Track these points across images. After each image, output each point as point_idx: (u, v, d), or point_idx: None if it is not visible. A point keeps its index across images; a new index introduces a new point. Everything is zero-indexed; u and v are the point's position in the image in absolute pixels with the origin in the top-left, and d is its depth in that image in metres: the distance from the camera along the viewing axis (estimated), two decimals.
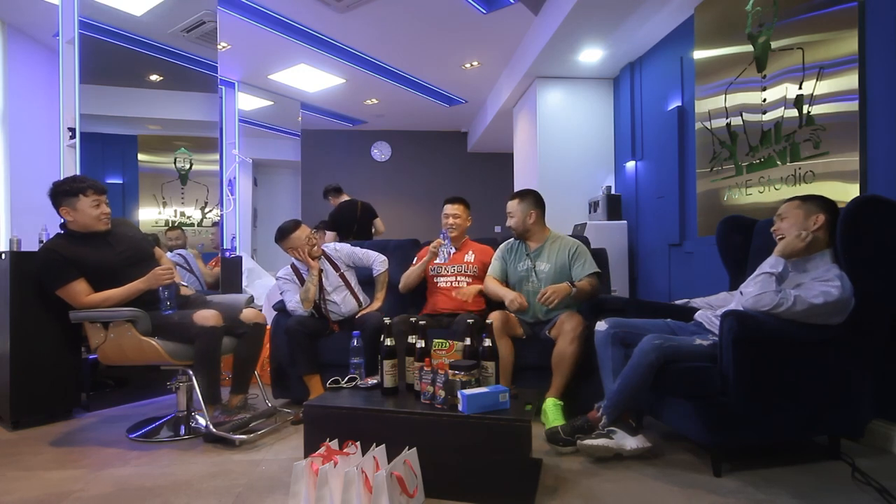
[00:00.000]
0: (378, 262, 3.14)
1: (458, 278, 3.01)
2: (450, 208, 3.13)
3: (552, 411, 2.43)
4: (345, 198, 5.61)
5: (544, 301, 2.54)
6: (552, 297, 2.52)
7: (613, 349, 2.21)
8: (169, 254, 3.63)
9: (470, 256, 3.07)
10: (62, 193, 2.43)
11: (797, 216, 2.06)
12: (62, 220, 2.47)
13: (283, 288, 3.01)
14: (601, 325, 2.28)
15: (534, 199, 2.87)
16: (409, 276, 3.07)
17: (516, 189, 3.38)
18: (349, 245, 3.25)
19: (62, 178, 2.55)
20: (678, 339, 2.09)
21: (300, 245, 2.94)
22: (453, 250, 3.07)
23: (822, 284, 1.89)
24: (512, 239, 2.99)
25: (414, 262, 3.12)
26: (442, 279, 3.03)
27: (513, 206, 2.88)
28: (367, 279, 3.21)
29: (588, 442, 2.04)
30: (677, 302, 2.55)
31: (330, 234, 5.39)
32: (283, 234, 2.96)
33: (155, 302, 2.42)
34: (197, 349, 2.38)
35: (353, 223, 5.46)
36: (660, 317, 2.36)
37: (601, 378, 2.26)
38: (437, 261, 3.01)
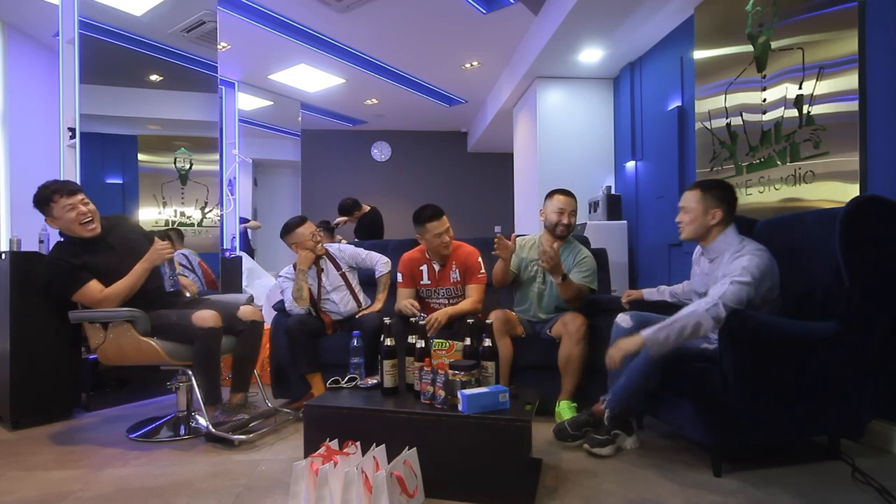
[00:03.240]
0: (381, 263, 3.13)
1: (452, 301, 2.87)
2: (437, 226, 2.74)
3: (567, 414, 2.45)
4: (367, 207, 5.59)
5: (542, 256, 2.43)
6: (550, 256, 2.41)
7: None
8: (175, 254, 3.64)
9: (455, 275, 2.87)
10: (36, 204, 2.39)
11: (697, 211, 2.13)
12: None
13: (284, 286, 3.02)
14: (625, 321, 2.24)
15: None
16: (399, 310, 2.80)
17: (516, 188, 3.31)
18: (353, 246, 3.26)
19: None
20: None
21: (304, 241, 2.92)
22: (437, 267, 2.89)
23: (731, 278, 1.90)
24: (533, 235, 2.91)
25: (399, 281, 2.91)
26: (435, 302, 2.93)
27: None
28: (366, 279, 3.20)
29: (597, 450, 2.11)
30: (644, 291, 2.57)
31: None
32: (288, 229, 2.95)
33: (159, 280, 2.47)
34: (196, 351, 2.38)
35: (381, 226, 5.55)
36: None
37: (608, 373, 2.23)
38: (423, 281, 2.87)
